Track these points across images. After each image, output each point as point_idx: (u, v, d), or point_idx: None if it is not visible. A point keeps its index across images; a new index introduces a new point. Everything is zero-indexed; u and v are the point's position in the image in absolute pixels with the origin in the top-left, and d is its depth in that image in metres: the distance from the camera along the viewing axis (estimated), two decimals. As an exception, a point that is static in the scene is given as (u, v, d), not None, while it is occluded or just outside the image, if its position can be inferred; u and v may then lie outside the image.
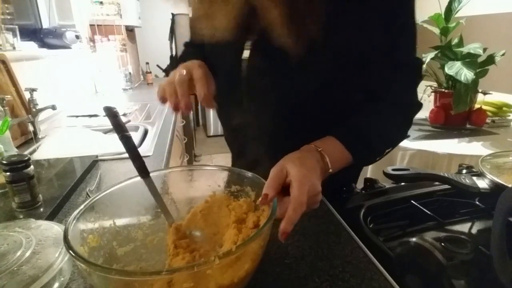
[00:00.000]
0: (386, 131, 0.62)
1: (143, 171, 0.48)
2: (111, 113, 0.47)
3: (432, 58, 1.61)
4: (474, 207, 0.70)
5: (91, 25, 2.51)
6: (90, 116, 1.60)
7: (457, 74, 1.46)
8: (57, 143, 1.19)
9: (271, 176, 0.47)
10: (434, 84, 1.79)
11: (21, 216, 0.68)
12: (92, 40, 2.51)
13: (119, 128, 0.47)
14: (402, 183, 0.78)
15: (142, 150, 1.09)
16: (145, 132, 1.40)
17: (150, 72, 3.10)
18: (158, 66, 3.81)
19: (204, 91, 0.54)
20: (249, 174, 0.50)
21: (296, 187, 0.45)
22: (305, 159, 0.50)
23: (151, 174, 0.49)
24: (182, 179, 0.56)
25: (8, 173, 0.68)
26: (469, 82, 1.42)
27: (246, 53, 0.63)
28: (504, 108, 1.77)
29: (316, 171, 0.49)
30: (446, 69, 1.52)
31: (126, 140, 0.47)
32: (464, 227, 0.64)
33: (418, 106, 0.66)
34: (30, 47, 1.66)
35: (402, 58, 0.62)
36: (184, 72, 0.55)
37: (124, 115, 1.60)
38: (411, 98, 0.65)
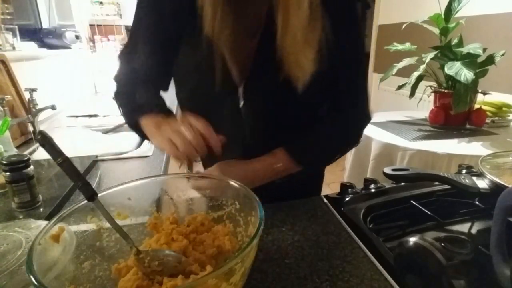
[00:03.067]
0: (332, 144, 0.73)
1: (89, 194, 0.42)
2: (46, 140, 0.42)
3: (432, 58, 1.61)
4: (474, 207, 0.70)
5: (91, 25, 2.51)
6: (90, 116, 1.60)
7: (457, 74, 1.46)
8: (57, 143, 1.19)
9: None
10: (434, 84, 1.79)
11: (21, 216, 0.68)
12: (92, 40, 2.51)
13: (57, 153, 0.42)
14: (402, 183, 0.78)
15: (141, 151, 1.09)
16: (145, 132, 1.39)
17: (150, 72, 3.10)
18: (158, 66, 3.81)
19: (219, 143, 0.54)
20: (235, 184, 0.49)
21: None
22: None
23: (152, 178, 0.49)
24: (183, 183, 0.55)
25: (8, 173, 0.68)
26: (468, 82, 1.42)
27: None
28: (503, 108, 1.77)
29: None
30: (446, 69, 1.52)
31: (67, 163, 0.42)
32: (464, 227, 0.64)
33: (369, 118, 0.75)
34: (30, 47, 1.66)
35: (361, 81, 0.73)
36: (190, 131, 0.52)
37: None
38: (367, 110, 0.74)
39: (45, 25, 1.97)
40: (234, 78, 0.65)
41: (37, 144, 1.20)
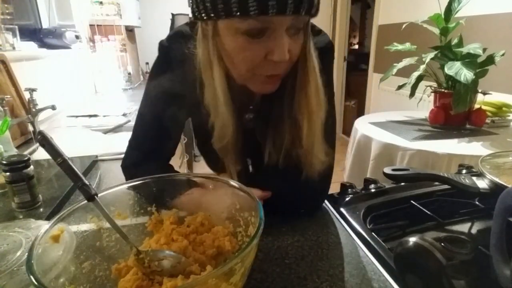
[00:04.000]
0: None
1: (89, 194, 0.42)
2: (46, 140, 0.43)
3: (432, 58, 1.61)
4: (474, 207, 0.70)
5: (91, 25, 2.51)
6: (90, 116, 1.60)
7: (457, 74, 1.46)
8: (57, 143, 1.19)
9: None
10: (434, 84, 1.79)
11: (21, 216, 0.68)
12: (92, 40, 2.51)
13: (57, 153, 0.43)
14: (402, 183, 0.78)
15: (142, 150, 1.08)
16: (145, 132, 1.39)
17: (150, 72, 3.10)
18: (158, 66, 3.81)
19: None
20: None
21: None
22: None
23: (152, 179, 0.49)
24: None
25: (8, 173, 0.68)
26: (468, 82, 1.42)
27: None
28: (503, 108, 1.76)
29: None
30: (446, 69, 1.52)
31: (67, 163, 0.42)
32: (464, 227, 0.64)
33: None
34: (29, 47, 1.66)
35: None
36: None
37: (124, 115, 1.60)
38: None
39: (45, 25, 1.97)
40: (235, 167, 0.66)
41: (37, 144, 1.19)
